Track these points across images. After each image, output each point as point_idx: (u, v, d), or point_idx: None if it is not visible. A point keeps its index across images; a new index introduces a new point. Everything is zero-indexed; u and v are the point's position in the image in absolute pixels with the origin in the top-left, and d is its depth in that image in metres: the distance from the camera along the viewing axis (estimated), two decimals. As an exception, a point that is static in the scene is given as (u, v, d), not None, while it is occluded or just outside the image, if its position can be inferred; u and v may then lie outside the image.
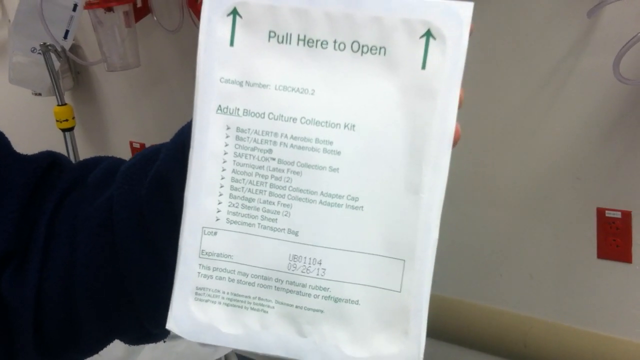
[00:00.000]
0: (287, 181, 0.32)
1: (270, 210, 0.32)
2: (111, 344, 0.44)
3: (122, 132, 1.43)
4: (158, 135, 1.32)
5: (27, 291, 0.39)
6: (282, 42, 0.32)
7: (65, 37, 1.13)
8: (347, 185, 0.32)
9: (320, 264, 0.32)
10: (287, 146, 0.32)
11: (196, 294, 0.33)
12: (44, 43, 1.10)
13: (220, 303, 0.33)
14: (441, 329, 1.04)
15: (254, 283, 0.33)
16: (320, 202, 0.32)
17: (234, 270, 0.33)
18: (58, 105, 1.18)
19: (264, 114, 0.32)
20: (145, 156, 0.41)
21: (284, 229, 0.32)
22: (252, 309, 0.33)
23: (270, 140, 0.32)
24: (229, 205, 0.33)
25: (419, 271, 0.32)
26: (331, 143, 0.32)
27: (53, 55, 1.12)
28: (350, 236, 0.32)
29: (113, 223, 0.39)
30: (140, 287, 0.40)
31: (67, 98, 1.32)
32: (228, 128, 0.32)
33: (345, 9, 0.31)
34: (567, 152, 0.88)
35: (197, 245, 0.33)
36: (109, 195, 0.40)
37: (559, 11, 0.82)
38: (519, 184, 0.93)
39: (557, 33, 0.83)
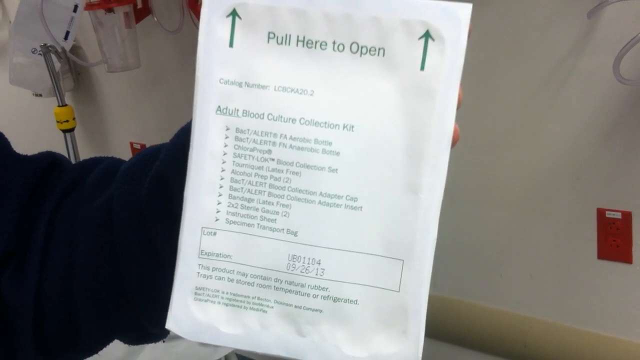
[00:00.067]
0: (287, 181, 0.32)
1: (269, 210, 0.32)
2: (111, 344, 0.44)
3: (122, 132, 1.43)
4: (158, 135, 1.33)
5: (26, 291, 0.40)
6: (282, 43, 0.32)
7: (66, 38, 1.13)
8: (346, 185, 0.32)
9: (319, 263, 0.32)
10: (286, 147, 0.32)
11: (195, 293, 0.33)
12: (45, 44, 1.10)
13: (219, 303, 0.33)
14: (441, 329, 1.05)
15: (253, 283, 0.33)
16: (320, 202, 0.32)
17: (233, 270, 0.33)
18: (58, 106, 1.19)
19: (263, 114, 0.32)
20: (145, 156, 0.41)
21: (283, 229, 0.32)
22: (252, 308, 0.33)
23: (270, 141, 0.32)
24: (229, 206, 0.33)
25: (417, 271, 0.32)
26: (330, 143, 0.32)
27: (53, 56, 1.12)
28: (349, 236, 0.32)
29: (113, 223, 0.40)
30: (140, 287, 0.40)
31: (68, 99, 1.32)
32: (227, 129, 0.33)
33: (344, 10, 0.32)
34: (567, 152, 0.88)
35: (197, 245, 0.33)
36: (108, 196, 0.40)
37: (559, 11, 0.82)
38: (519, 184, 0.93)
39: (557, 33, 0.83)
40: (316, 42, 0.32)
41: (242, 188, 0.33)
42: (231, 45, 0.33)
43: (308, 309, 0.32)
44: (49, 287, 0.40)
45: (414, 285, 0.32)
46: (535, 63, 0.86)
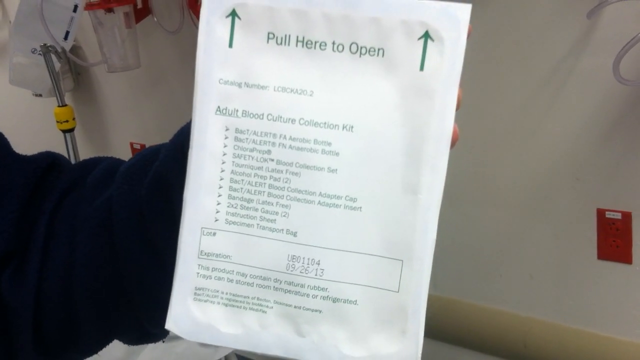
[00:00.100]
0: (286, 182, 0.32)
1: (269, 210, 0.32)
2: (111, 344, 0.44)
3: (122, 133, 1.43)
4: (158, 136, 1.33)
5: (26, 291, 0.40)
6: (281, 43, 0.32)
7: (66, 38, 1.13)
8: (345, 185, 0.32)
9: (319, 264, 0.32)
10: (285, 147, 0.32)
11: (195, 294, 0.33)
12: (45, 44, 1.10)
13: (219, 303, 0.33)
14: (441, 329, 1.05)
15: (253, 283, 0.33)
16: (319, 202, 0.32)
17: (233, 271, 0.33)
18: (58, 106, 1.19)
19: (262, 115, 0.32)
20: (145, 156, 0.41)
21: (283, 230, 0.32)
22: (251, 309, 0.33)
23: (269, 141, 0.32)
24: (228, 206, 0.33)
25: (417, 271, 0.32)
26: (330, 144, 0.32)
27: (53, 56, 1.12)
28: (349, 236, 0.32)
29: (112, 223, 0.40)
30: (140, 287, 0.40)
31: (68, 99, 1.32)
32: (227, 129, 0.33)
33: (343, 10, 0.32)
34: (567, 152, 0.88)
35: (196, 246, 0.33)
36: (108, 196, 0.40)
37: (559, 11, 0.82)
38: (519, 184, 0.93)
39: (557, 33, 0.84)
40: (316, 43, 0.32)
41: (241, 188, 0.33)
42: (231, 45, 0.33)
43: (307, 309, 0.32)
44: (48, 287, 0.40)
45: (414, 285, 0.32)
46: (535, 63, 0.86)
